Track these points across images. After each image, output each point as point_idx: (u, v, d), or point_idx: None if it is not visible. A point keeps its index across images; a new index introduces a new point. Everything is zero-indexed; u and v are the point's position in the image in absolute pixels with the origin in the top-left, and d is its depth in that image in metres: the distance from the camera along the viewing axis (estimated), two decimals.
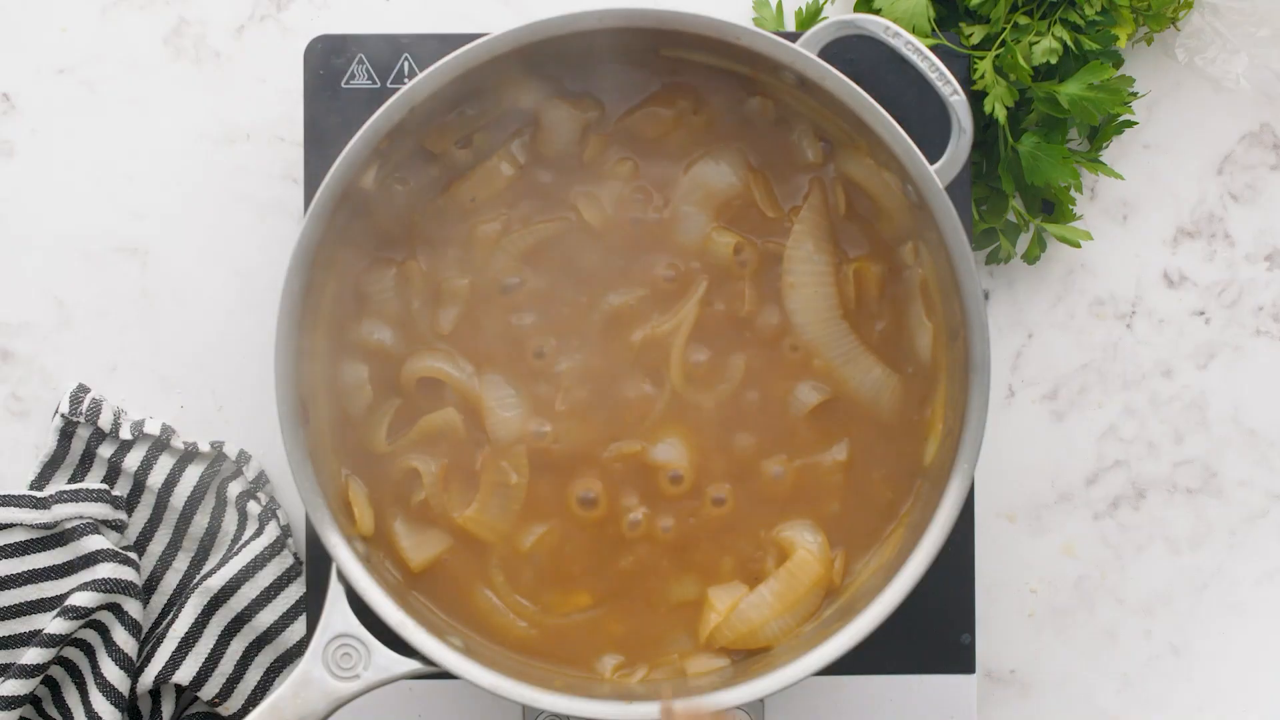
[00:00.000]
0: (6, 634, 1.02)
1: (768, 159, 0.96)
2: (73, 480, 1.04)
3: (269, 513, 1.02)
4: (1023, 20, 0.99)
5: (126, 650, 1.00)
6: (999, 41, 0.99)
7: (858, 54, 0.95)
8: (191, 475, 1.03)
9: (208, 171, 1.05)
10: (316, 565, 0.98)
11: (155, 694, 1.03)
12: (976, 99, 1.00)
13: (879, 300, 0.95)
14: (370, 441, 0.95)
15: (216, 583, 1.00)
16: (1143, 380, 1.06)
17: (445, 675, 0.90)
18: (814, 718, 1.02)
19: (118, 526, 1.03)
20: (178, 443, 1.03)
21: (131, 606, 1.00)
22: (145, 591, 1.04)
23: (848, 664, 0.91)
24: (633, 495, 0.95)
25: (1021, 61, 0.98)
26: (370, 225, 0.95)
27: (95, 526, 1.01)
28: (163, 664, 1.00)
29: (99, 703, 0.99)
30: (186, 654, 1.01)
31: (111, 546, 1.01)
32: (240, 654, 1.02)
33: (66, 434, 1.03)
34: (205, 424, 1.05)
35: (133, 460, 1.03)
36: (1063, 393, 1.06)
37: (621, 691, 0.93)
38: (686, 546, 0.95)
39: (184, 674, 1.00)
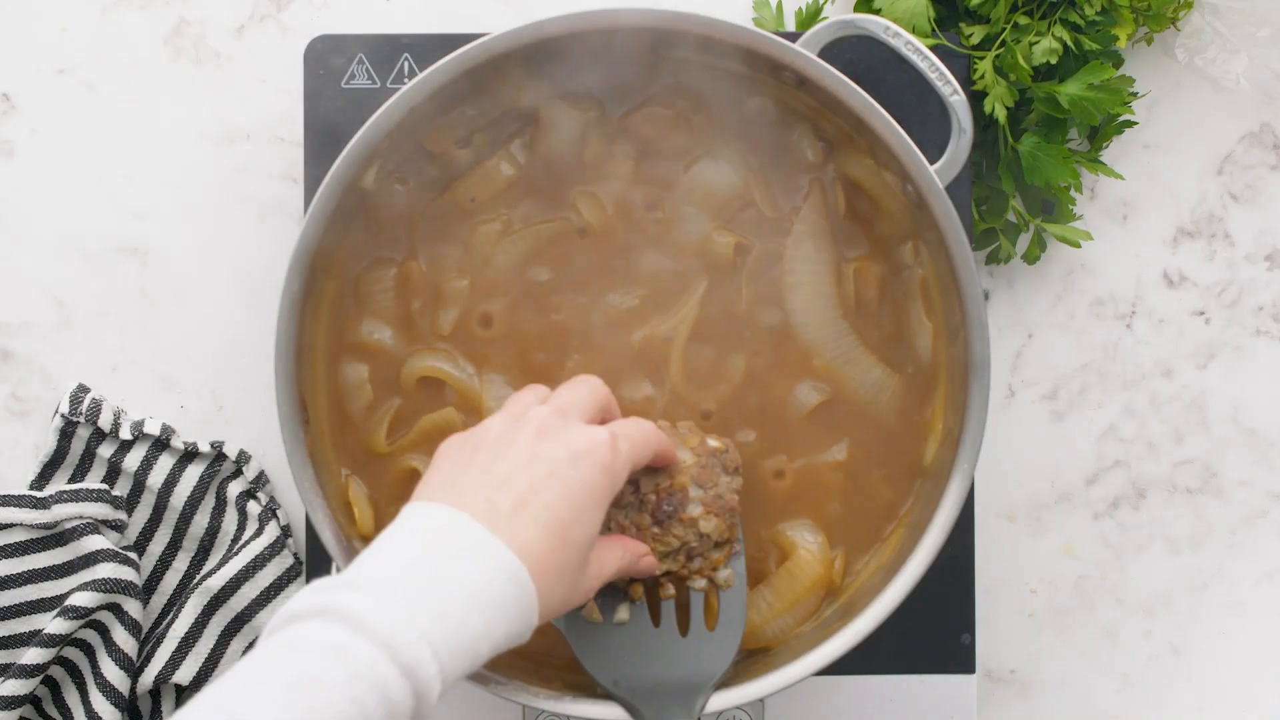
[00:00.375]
0: (6, 634, 1.02)
1: (768, 159, 0.96)
2: (73, 480, 1.04)
3: (269, 513, 1.02)
4: (1023, 20, 0.99)
5: (126, 650, 1.00)
6: (999, 41, 0.99)
7: (858, 54, 0.95)
8: (191, 475, 1.03)
9: (208, 171, 1.05)
10: (316, 565, 0.98)
11: (155, 694, 1.03)
12: (976, 99, 1.00)
13: (879, 300, 0.95)
14: (370, 441, 0.95)
15: (216, 583, 1.00)
16: (1143, 380, 1.06)
17: None
18: (814, 718, 1.01)
19: (118, 526, 1.03)
20: (178, 443, 1.03)
21: (131, 606, 1.00)
22: (145, 591, 1.04)
23: (848, 664, 0.91)
24: None
25: (1021, 61, 0.98)
26: (370, 225, 0.95)
27: (95, 526, 1.01)
28: (163, 664, 1.00)
29: (99, 703, 0.99)
30: (186, 654, 1.01)
31: (111, 546, 1.01)
32: (240, 654, 1.02)
33: (66, 434, 1.03)
34: (205, 424, 1.05)
35: (133, 460, 1.03)
36: (1063, 393, 1.06)
37: None
38: None
39: (184, 674, 1.00)
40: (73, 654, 1.02)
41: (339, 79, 0.98)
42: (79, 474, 1.04)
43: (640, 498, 0.88)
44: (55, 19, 1.06)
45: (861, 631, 0.90)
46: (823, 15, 1.03)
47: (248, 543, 1.01)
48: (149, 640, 1.03)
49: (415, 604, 0.71)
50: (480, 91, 0.93)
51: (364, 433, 0.95)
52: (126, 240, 1.05)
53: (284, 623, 0.71)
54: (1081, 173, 1.03)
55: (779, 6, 1.03)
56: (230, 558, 1.01)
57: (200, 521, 1.04)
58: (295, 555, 1.03)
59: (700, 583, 0.89)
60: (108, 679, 1.00)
